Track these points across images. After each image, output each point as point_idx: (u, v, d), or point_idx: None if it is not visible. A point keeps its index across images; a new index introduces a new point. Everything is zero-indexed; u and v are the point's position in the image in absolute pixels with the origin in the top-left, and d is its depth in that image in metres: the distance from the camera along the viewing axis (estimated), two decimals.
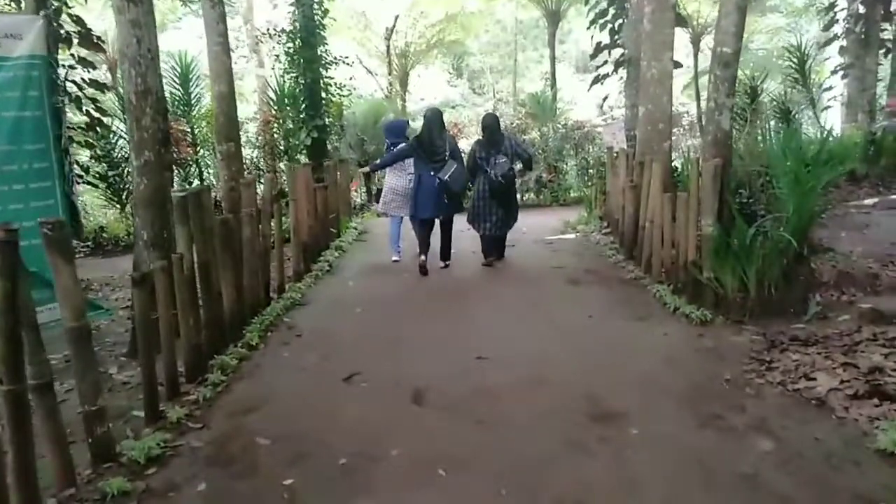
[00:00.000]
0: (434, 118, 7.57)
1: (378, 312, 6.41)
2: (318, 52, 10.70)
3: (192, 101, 13.89)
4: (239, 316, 5.67)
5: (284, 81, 11.16)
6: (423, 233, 7.76)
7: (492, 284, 7.37)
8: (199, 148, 12.32)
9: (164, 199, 5.47)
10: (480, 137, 8.00)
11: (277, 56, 10.95)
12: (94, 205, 15.42)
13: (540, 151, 16.35)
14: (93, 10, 18.54)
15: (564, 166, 16.76)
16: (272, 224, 6.91)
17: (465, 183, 7.61)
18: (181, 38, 22.21)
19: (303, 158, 11.27)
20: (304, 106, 10.72)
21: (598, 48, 12.11)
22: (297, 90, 10.79)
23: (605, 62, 12.11)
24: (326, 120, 11.01)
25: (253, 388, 4.66)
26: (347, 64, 11.36)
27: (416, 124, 20.94)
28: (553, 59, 19.23)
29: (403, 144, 7.88)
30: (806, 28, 25.66)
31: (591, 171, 12.74)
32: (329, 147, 15.65)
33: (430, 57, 23.44)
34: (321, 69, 10.82)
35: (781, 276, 5.77)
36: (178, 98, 13.93)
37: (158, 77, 5.87)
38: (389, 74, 20.76)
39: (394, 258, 8.54)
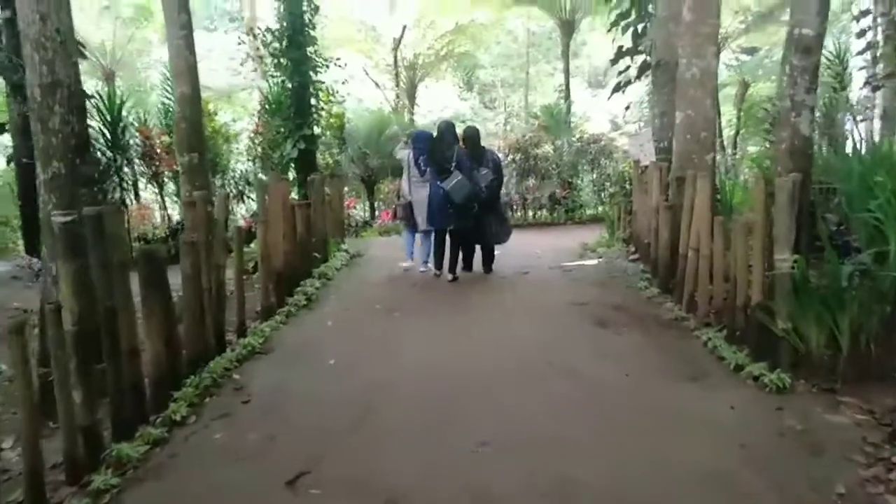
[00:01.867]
0: (447, 130, 7.47)
1: (354, 366, 4.89)
2: (307, 53, 9.26)
3: None
4: (169, 377, 4.17)
5: (270, 86, 9.71)
6: (437, 245, 7.57)
7: (500, 327, 5.84)
8: None
9: None
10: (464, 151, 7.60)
11: (262, 58, 9.51)
12: None
13: (554, 166, 14.90)
14: (89, 14, 17.33)
15: (579, 182, 15.29)
16: (229, 252, 5.42)
17: (468, 195, 7.13)
18: None
19: (293, 173, 9.80)
20: (290, 113, 9.26)
21: (620, 52, 10.61)
22: (284, 96, 9.35)
23: (629, 67, 10.61)
24: (316, 129, 9.51)
25: (154, 497, 3.15)
26: (339, 66, 9.91)
27: None
28: (567, 70, 17.77)
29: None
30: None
31: (611, 187, 11.18)
32: (330, 160, 14.28)
33: (439, 70, 22.06)
34: (310, 72, 9.37)
35: (882, 327, 4.21)
36: (169, 108, 12.61)
37: (72, 66, 4.45)
38: (397, 86, 19.39)
39: (405, 265, 8.07)
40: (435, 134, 7.55)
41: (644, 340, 5.31)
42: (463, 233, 7.48)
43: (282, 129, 9.38)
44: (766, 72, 20.88)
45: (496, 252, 8.60)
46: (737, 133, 19.44)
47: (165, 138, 10.95)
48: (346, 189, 13.08)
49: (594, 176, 15.42)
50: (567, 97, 17.34)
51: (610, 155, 15.41)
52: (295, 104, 9.15)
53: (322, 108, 9.76)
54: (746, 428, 3.72)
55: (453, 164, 7.17)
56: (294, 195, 9.00)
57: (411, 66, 19.81)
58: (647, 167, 8.59)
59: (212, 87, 19.74)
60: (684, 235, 6.14)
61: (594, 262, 8.36)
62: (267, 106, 9.56)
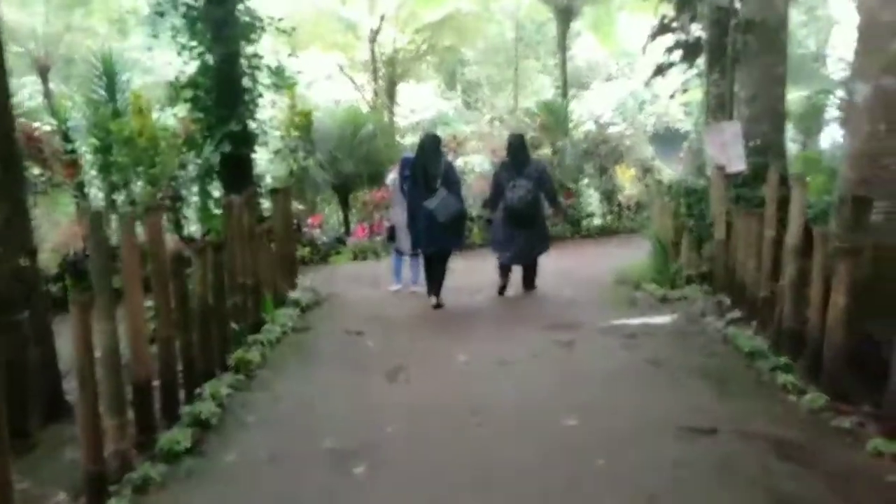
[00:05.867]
0: (429, 142, 6.16)
1: None
2: (234, 12, 5.70)
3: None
4: None
5: (185, 62, 6.15)
6: (428, 268, 6.09)
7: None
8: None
9: None
10: (505, 159, 6.60)
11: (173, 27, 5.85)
12: None
13: (556, 171, 11.70)
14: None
15: (582, 188, 12.15)
16: None
17: (454, 213, 5.86)
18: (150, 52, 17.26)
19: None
20: (209, 101, 5.75)
21: (663, 26, 7.39)
22: (202, 76, 5.83)
23: (679, 42, 7.35)
24: (251, 123, 5.97)
25: None
26: (285, 32, 6.37)
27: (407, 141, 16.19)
28: (564, 62, 14.53)
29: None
30: None
31: (666, 198, 7.42)
32: (295, 166, 10.86)
33: (420, 68, 18.66)
34: (240, 41, 5.84)
35: None
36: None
37: None
38: (375, 82, 15.98)
39: (393, 287, 6.68)
40: (418, 147, 6.31)
41: None
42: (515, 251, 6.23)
43: (202, 126, 5.90)
44: None
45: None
46: None
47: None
48: (302, 204, 9.67)
49: (601, 182, 12.27)
50: (565, 93, 14.10)
51: (620, 158, 12.27)
52: (217, 87, 5.66)
53: (260, 95, 6.26)
54: None
55: (439, 181, 5.87)
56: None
57: (390, 62, 16.39)
58: (733, 175, 5.41)
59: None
60: None
61: (667, 319, 5.09)
62: (175, 91, 6.02)
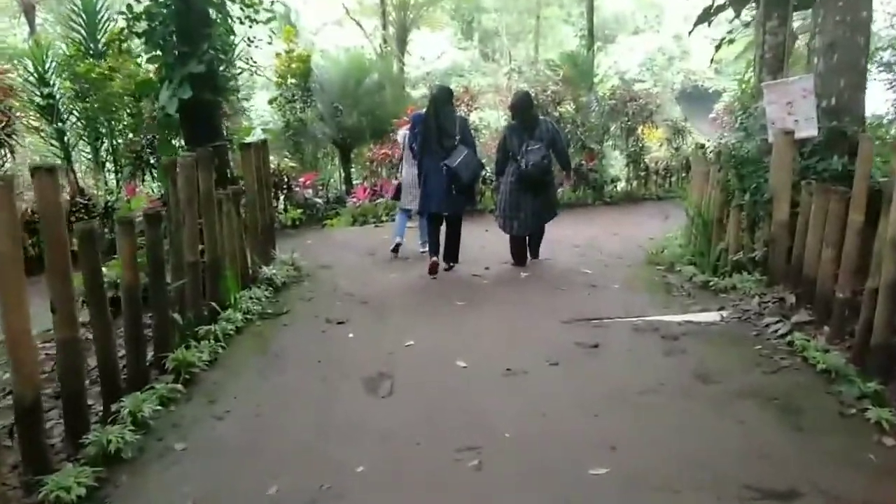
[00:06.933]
0: (441, 96, 5.70)
1: None
2: None
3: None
4: None
5: None
6: (432, 229, 5.67)
7: None
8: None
9: None
10: (512, 122, 6.02)
11: None
12: None
13: (579, 129, 10.66)
14: None
15: (606, 149, 11.10)
16: None
17: (476, 172, 5.70)
18: None
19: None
20: (165, 36, 4.77)
21: None
22: (160, 4, 4.81)
23: None
24: (218, 57, 4.95)
25: None
26: None
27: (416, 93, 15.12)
28: (591, 9, 13.22)
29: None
30: None
31: (717, 167, 6.37)
32: (291, 118, 9.99)
33: (434, 14, 17.40)
34: None
35: None
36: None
37: None
38: (384, 29, 14.82)
39: (397, 240, 6.20)
40: (429, 101, 5.94)
41: None
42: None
43: (160, 67, 4.95)
44: None
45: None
46: None
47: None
48: (295, 161, 8.82)
49: (627, 144, 11.21)
50: (591, 45, 12.88)
51: (650, 116, 11.16)
52: (176, 19, 4.67)
53: (231, 31, 5.27)
54: None
55: (457, 137, 5.50)
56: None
57: (402, 6, 15.19)
58: (799, 142, 4.45)
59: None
60: None
61: (715, 316, 4.21)
62: (127, 23, 5.02)
